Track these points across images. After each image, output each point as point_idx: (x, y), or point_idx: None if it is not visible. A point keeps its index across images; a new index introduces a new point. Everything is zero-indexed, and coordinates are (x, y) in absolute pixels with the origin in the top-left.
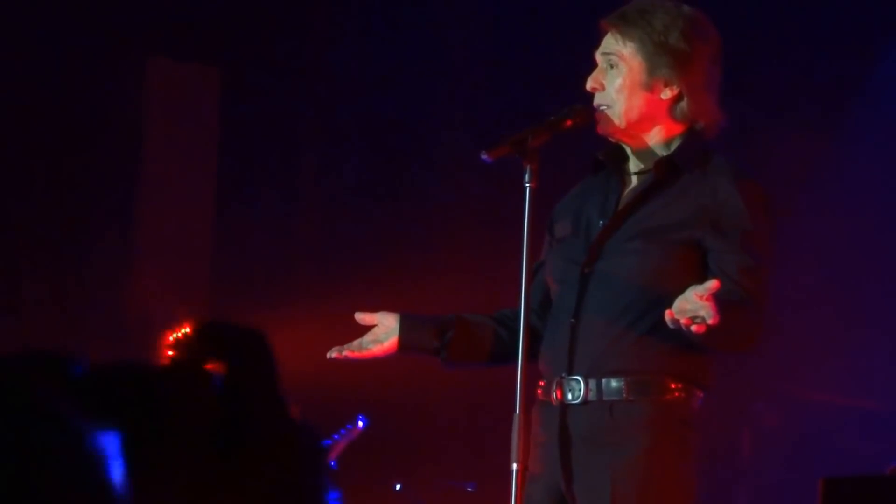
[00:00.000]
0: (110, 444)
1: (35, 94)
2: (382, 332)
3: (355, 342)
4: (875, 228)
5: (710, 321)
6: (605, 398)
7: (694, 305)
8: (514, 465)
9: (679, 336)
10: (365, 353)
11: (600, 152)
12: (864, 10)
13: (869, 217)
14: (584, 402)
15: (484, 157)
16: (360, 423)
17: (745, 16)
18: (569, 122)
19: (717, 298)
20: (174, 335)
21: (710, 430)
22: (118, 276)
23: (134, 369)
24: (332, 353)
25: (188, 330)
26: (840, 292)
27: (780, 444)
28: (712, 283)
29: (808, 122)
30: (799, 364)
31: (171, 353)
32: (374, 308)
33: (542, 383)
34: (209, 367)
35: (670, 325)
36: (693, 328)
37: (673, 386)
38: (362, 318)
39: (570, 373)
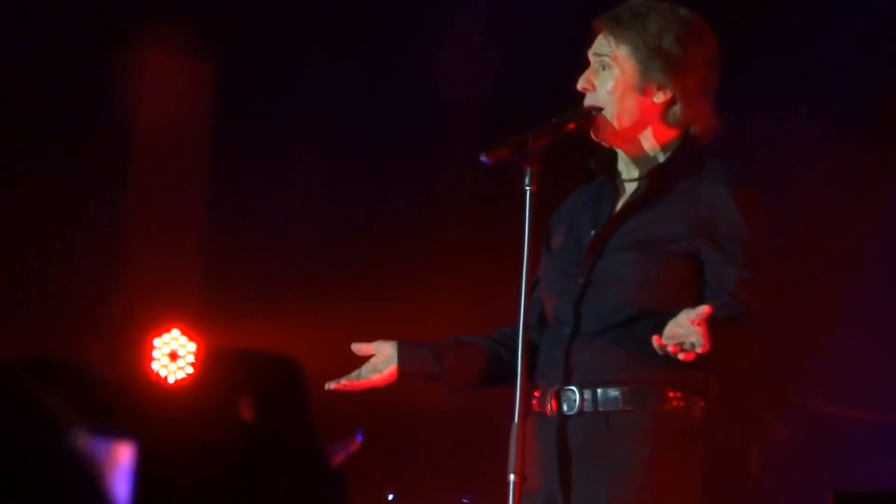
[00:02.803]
0: (123, 454)
1: (27, 88)
2: (380, 360)
3: (353, 372)
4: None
5: (699, 349)
6: (601, 408)
7: (685, 331)
8: (512, 476)
9: None
10: (364, 383)
11: (592, 161)
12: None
13: (888, 227)
14: (580, 412)
15: (484, 159)
16: (358, 438)
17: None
18: (571, 125)
19: (712, 320)
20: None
21: (715, 443)
22: (107, 273)
23: (158, 385)
24: (331, 385)
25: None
26: (853, 302)
27: (790, 458)
28: (704, 309)
29: (827, 126)
30: (810, 376)
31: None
32: (370, 321)
33: (537, 394)
34: (237, 395)
35: (659, 352)
36: (681, 356)
37: (671, 395)
38: (359, 348)
39: (566, 383)
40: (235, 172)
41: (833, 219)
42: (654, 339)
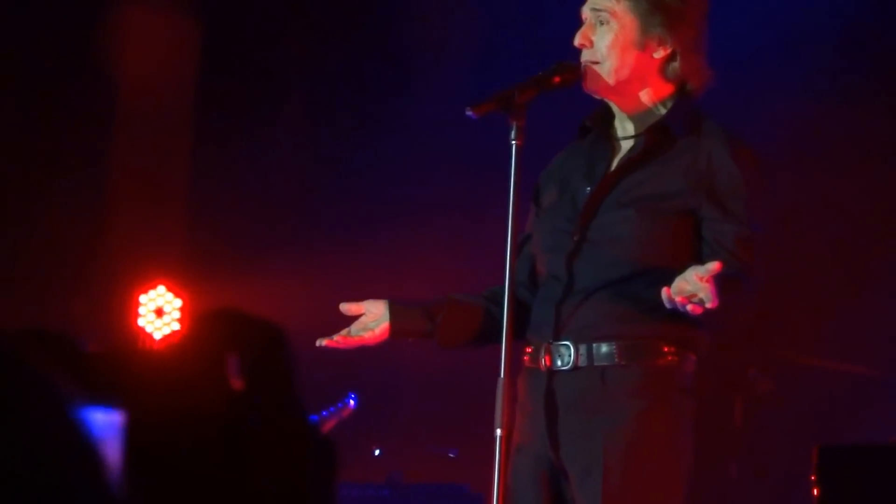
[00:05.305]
0: (111, 423)
1: (10, 42)
2: (371, 319)
3: (345, 329)
4: (871, 190)
5: (708, 304)
6: (595, 363)
7: (694, 286)
8: (498, 431)
9: None
10: (356, 340)
11: (587, 118)
12: None
13: (861, 179)
14: (574, 367)
15: (469, 113)
16: (352, 402)
17: None
18: (557, 79)
19: (717, 278)
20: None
21: (703, 397)
22: (92, 230)
23: (144, 352)
24: (323, 342)
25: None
26: (838, 255)
27: (774, 412)
28: (714, 266)
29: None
30: (794, 329)
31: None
32: (355, 277)
33: (528, 350)
34: (223, 359)
35: (667, 305)
36: (689, 308)
37: (666, 349)
38: (348, 308)
39: (558, 339)
40: (220, 129)
41: (818, 175)
42: (664, 291)
